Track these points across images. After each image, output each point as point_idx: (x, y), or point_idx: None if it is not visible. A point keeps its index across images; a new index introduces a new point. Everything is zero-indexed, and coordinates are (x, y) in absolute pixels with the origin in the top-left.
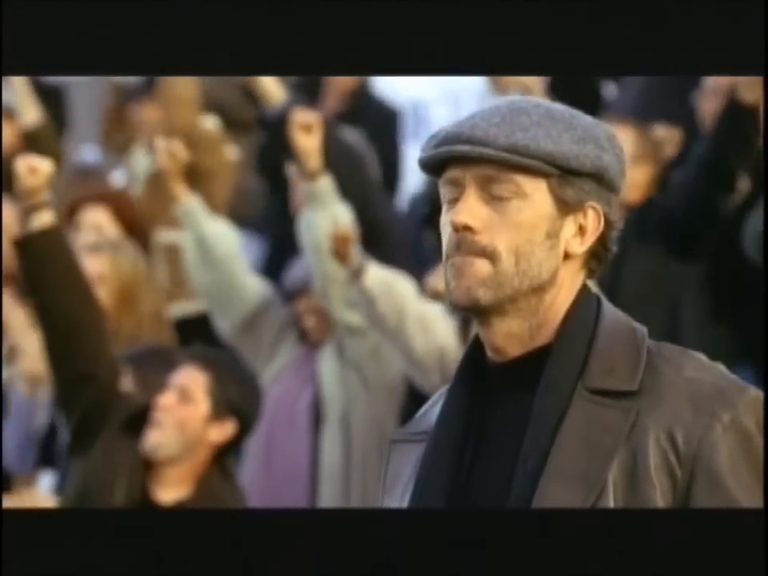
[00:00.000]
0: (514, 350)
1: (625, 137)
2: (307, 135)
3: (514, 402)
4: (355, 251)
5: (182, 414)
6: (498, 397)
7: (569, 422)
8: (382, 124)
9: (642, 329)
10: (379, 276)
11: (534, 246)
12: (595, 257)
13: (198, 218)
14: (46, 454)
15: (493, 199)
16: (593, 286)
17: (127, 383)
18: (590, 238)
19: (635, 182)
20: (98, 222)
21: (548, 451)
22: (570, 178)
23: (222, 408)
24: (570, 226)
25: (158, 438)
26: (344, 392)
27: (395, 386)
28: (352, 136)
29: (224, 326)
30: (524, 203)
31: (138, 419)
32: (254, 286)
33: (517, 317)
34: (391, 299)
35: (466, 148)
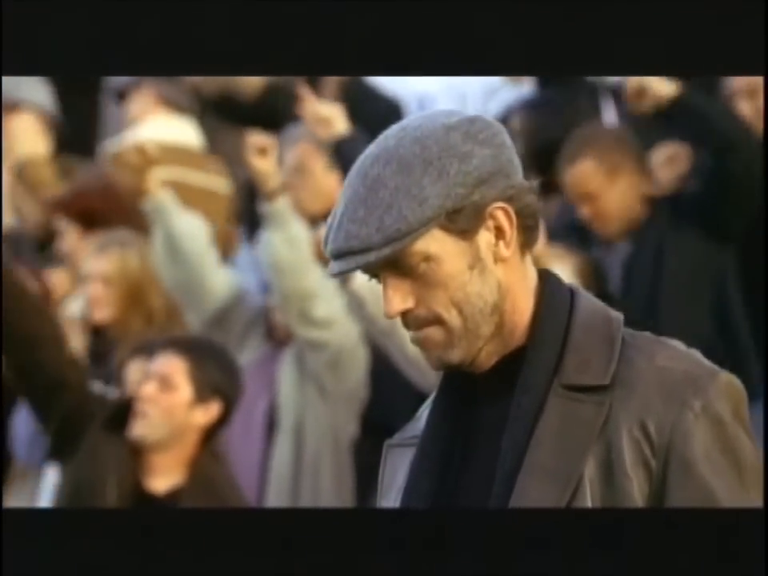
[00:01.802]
0: (492, 361)
1: (587, 173)
2: (262, 158)
3: (497, 405)
4: None
5: (167, 402)
6: (482, 401)
7: (544, 420)
8: (382, 116)
9: (617, 318)
10: (366, 278)
11: (465, 286)
12: (525, 232)
13: (169, 214)
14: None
15: (406, 272)
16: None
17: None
18: (511, 234)
19: (624, 191)
20: (61, 231)
21: (525, 450)
22: (456, 208)
23: (204, 391)
24: (485, 240)
25: (145, 428)
26: (300, 401)
27: (354, 397)
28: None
29: (194, 320)
30: (431, 262)
31: (121, 415)
32: (223, 281)
33: (491, 341)
34: (381, 300)
35: (351, 264)
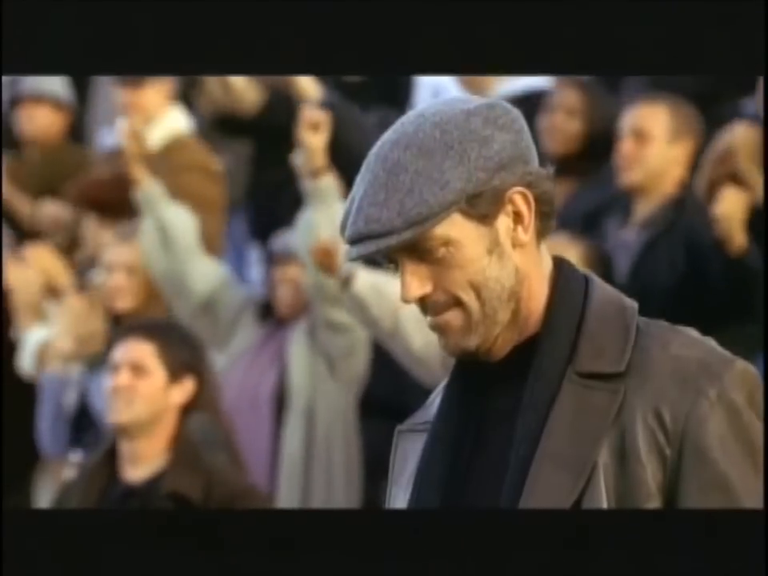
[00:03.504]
0: (507, 349)
1: (658, 116)
2: (314, 133)
3: (510, 394)
4: (340, 260)
5: (143, 388)
6: (495, 389)
7: (558, 407)
8: (395, 96)
9: (632, 306)
10: (368, 280)
11: (484, 270)
12: (542, 219)
13: (159, 204)
14: (78, 432)
15: (424, 256)
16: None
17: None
18: (529, 219)
19: (675, 158)
20: (90, 228)
21: (539, 437)
22: (476, 192)
23: (176, 369)
24: (504, 225)
25: (127, 413)
26: (311, 382)
27: (358, 379)
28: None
29: (182, 309)
30: (450, 246)
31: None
32: (209, 271)
33: (507, 328)
34: (383, 301)
35: (372, 248)
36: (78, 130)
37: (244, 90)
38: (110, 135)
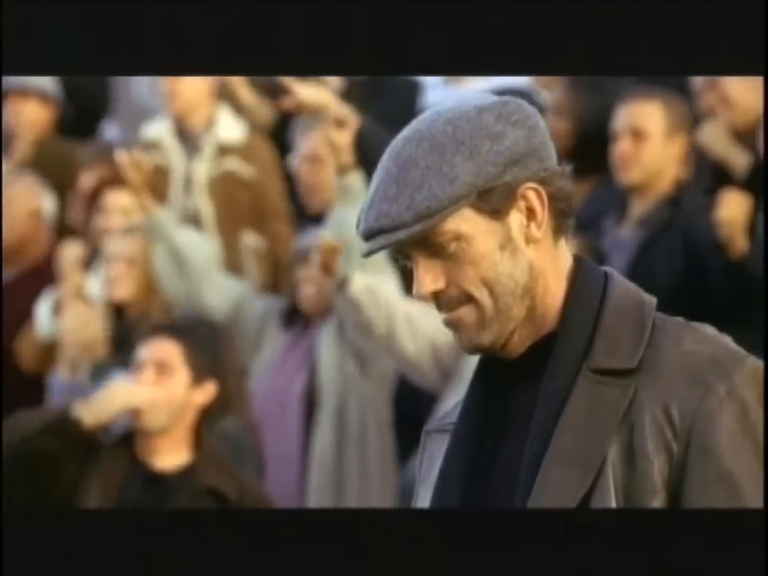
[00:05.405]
0: (525, 346)
1: (653, 113)
2: (340, 131)
3: (529, 391)
4: (339, 262)
5: (166, 387)
6: (515, 387)
7: (572, 403)
8: (402, 96)
9: (650, 302)
10: (364, 284)
11: (496, 266)
12: (558, 216)
13: (170, 230)
14: None
15: (437, 252)
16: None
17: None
18: (542, 216)
19: (672, 155)
20: (123, 205)
21: (552, 434)
22: (487, 187)
23: (200, 372)
24: (516, 221)
25: (149, 416)
26: (342, 381)
27: (391, 378)
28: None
29: None
30: (462, 241)
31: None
32: (227, 288)
33: (523, 325)
34: (378, 304)
35: (382, 242)
36: (65, 123)
37: (256, 108)
38: (114, 128)
